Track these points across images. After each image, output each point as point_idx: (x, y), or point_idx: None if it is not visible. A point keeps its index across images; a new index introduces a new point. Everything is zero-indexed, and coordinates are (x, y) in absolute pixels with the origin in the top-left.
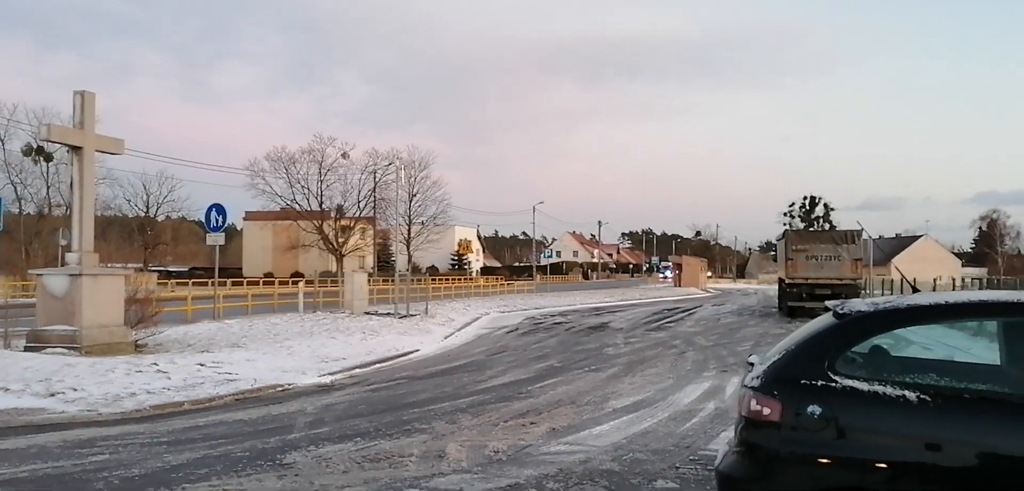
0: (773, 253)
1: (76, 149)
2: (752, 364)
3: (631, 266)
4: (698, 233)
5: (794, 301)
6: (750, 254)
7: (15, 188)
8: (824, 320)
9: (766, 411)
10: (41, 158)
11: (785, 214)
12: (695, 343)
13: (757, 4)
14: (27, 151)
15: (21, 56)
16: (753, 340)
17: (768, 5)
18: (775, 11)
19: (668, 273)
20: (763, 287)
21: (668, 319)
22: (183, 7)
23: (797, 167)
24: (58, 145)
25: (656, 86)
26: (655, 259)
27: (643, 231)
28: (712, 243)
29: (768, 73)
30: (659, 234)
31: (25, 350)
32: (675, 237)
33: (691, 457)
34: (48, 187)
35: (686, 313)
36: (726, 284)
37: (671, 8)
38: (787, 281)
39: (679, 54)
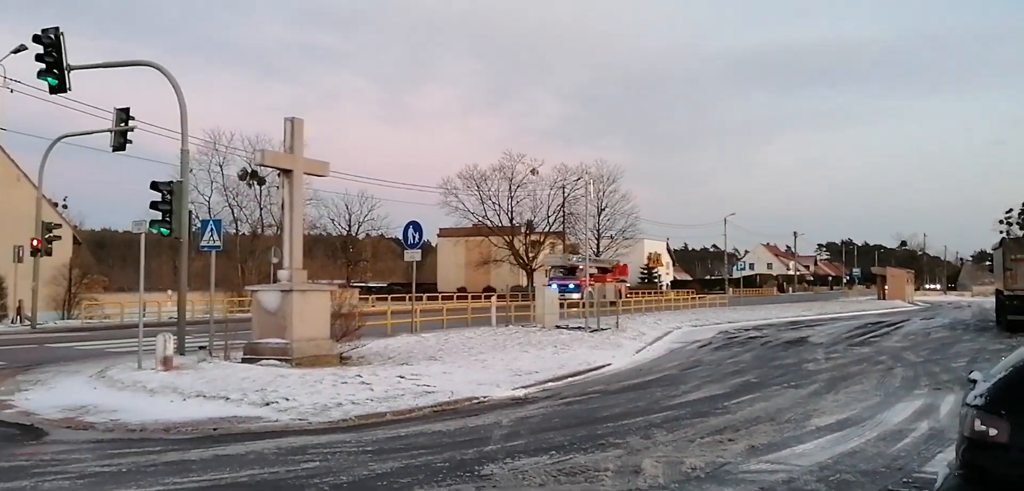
0: (989, 263)
1: (286, 172)
2: (975, 382)
3: (830, 278)
4: (903, 243)
5: (1014, 314)
6: (962, 264)
7: (232, 210)
8: None
9: (992, 432)
10: (255, 181)
11: (1002, 222)
12: (903, 359)
13: (962, 3)
14: (242, 175)
15: (239, 89)
16: (969, 356)
17: (974, 4)
18: (982, 10)
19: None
20: (977, 299)
21: (872, 333)
22: (385, 36)
23: (1014, 172)
24: (270, 169)
25: (857, 91)
26: (855, 271)
27: (842, 242)
28: (919, 253)
29: (978, 73)
30: (859, 244)
31: (242, 361)
32: (878, 248)
33: (904, 480)
34: (260, 208)
35: (892, 327)
36: (935, 297)
37: (870, 11)
38: (1005, 293)
39: (881, 57)
